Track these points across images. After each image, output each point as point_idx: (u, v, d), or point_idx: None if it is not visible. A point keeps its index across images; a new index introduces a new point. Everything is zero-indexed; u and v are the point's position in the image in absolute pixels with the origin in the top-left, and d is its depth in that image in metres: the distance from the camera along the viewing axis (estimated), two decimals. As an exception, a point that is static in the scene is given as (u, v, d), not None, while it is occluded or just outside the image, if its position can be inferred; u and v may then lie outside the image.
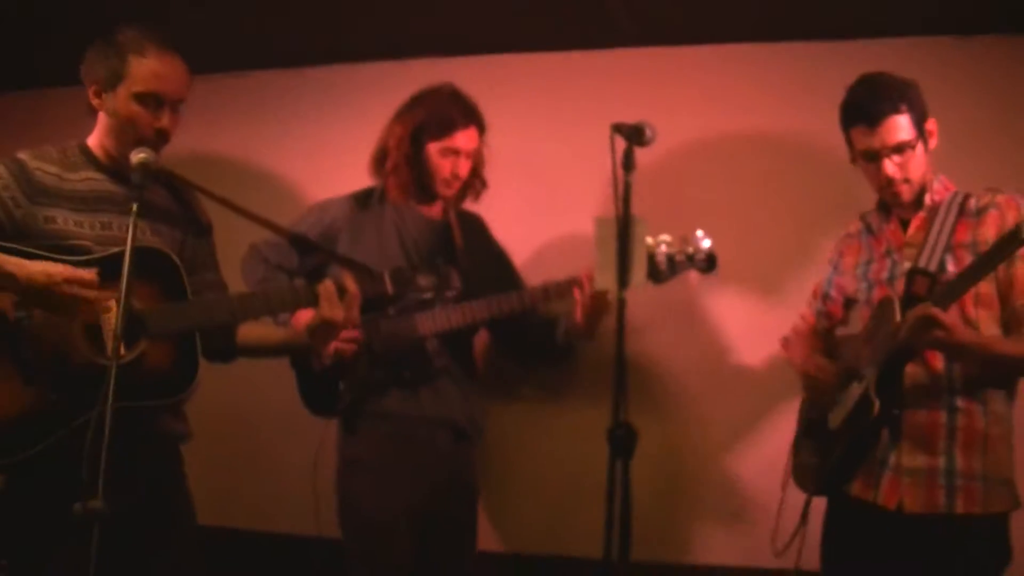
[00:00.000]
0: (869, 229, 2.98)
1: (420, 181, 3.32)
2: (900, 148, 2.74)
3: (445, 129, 3.26)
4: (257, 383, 3.75)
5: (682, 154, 3.69)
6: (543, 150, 3.74)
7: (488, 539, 3.66)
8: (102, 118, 2.63)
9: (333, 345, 3.07)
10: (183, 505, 2.72)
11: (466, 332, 3.37)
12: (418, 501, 3.22)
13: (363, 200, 3.39)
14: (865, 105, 2.75)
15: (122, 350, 2.33)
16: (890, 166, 2.75)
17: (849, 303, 3.03)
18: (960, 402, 2.68)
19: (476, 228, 3.51)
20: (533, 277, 3.55)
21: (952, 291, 2.53)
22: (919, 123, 2.75)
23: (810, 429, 2.95)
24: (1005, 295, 2.67)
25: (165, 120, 2.57)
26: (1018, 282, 2.66)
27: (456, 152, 3.28)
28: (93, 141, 2.65)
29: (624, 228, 2.56)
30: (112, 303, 2.41)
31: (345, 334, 3.07)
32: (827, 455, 2.83)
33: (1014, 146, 3.41)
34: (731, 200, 3.66)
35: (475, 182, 3.40)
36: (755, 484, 3.57)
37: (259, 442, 4.06)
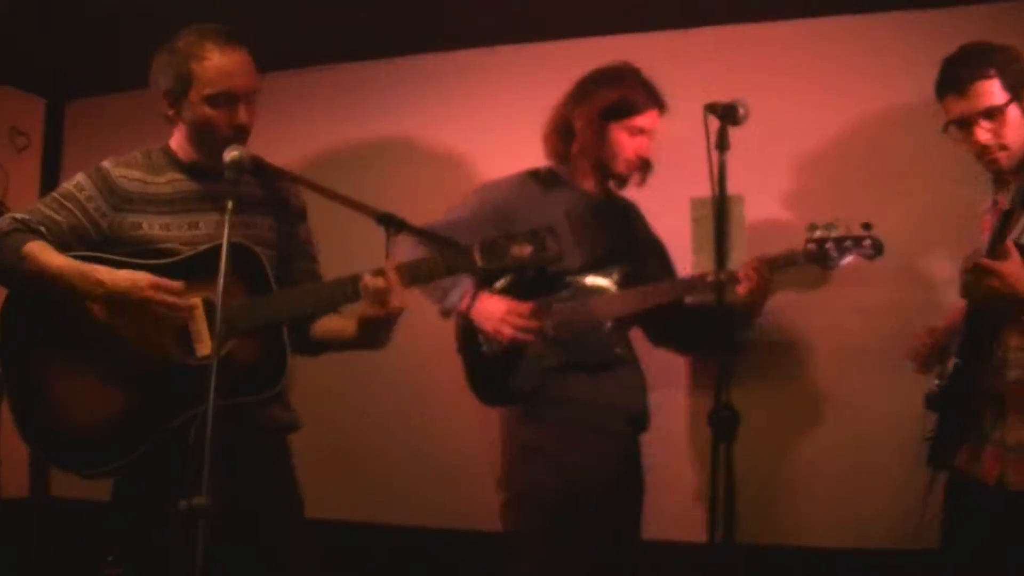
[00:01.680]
0: (995, 202, 2.85)
1: (601, 161, 3.27)
2: (990, 113, 2.68)
3: (633, 108, 3.21)
4: (420, 372, 3.82)
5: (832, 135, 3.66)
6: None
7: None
8: (180, 125, 2.62)
9: (509, 333, 3.07)
10: (287, 497, 2.68)
11: (630, 320, 3.32)
12: (598, 490, 3.13)
13: (542, 179, 3.32)
14: (952, 73, 2.72)
15: (207, 349, 2.39)
16: (982, 132, 2.70)
17: None
18: None
19: (637, 214, 3.47)
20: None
21: (993, 239, 2.45)
22: (1014, 87, 2.67)
23: (929, 401, 2.88)
24: None
25: (242, 115, 2.54)
26: None
27: (642, 132, 3.24)
28: (175, 143, 2.65)
29: (721, 208, 2.54)
30: (197, 301, 2.44)
31: (523, 321, 3.07)
32: (935, 428, 2.81)
33: None
34: (873, 176, 3.62)
35: (646, 165, 3.33)
36: (872, 462, 3.51)
37: (421, 436, 4.05)
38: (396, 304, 2.44)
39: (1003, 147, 2.70)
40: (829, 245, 3.06)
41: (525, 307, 3.10)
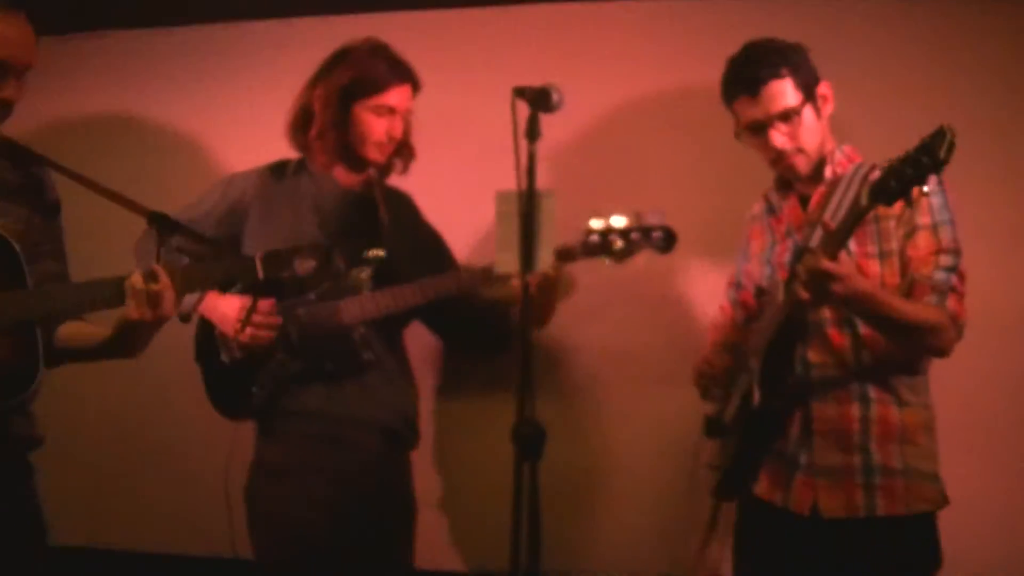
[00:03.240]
0: (771, 209, 2.79)
1: (347, 147, 2.97)
2: (786, 115, 2.57)
3: (376, 85, 2.94)
4: (155, 382, 3.50)
5: (624, 120, 3.45)
6: (448, 118, 3.39)
7: (433, 556, 3.32)
8: None
9: (248, 331, 2.81)
10: (28, 525, 2.39)
11: (397, 321, 3.05)
12: (344, 512, 2.89)
13: (278, 172, 3.06)
14: (744, 73, 2.59)
15: None
16: (778, 136, 2.59)
17: (761, 292, 2.84)
18: (872, 391, 2.53)
19: (404, 206, 3.17)
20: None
21: (835, 239, 2.32)
22: (806, 87, 2.59)
23: (710, 428, 2.79)
24: (904, 268, 2.54)
25: (9, 90, 2.28)
26: (916, 255, 2.51)
27: (391, 110, 2.96)
28: None
29: (529, 203, 2.32)
30: None
31: (260, 318, 2.81)
32: (722, 455, 2.68)
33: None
34: (681, 168, 3.43)
35: (404, 149, 3.05)
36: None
37: (158, 450, 3.67)
38: (167, 310, 2.27)
39: (800, 151, 2.61)
40: (613, 236, 2.88)
41: (263, 304, 2.84)
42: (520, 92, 2.36)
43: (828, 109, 2.64)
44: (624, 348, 3.37)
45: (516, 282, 2.81)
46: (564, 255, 2.86)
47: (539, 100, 2.36)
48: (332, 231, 2.95)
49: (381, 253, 2.91)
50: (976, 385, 3.01)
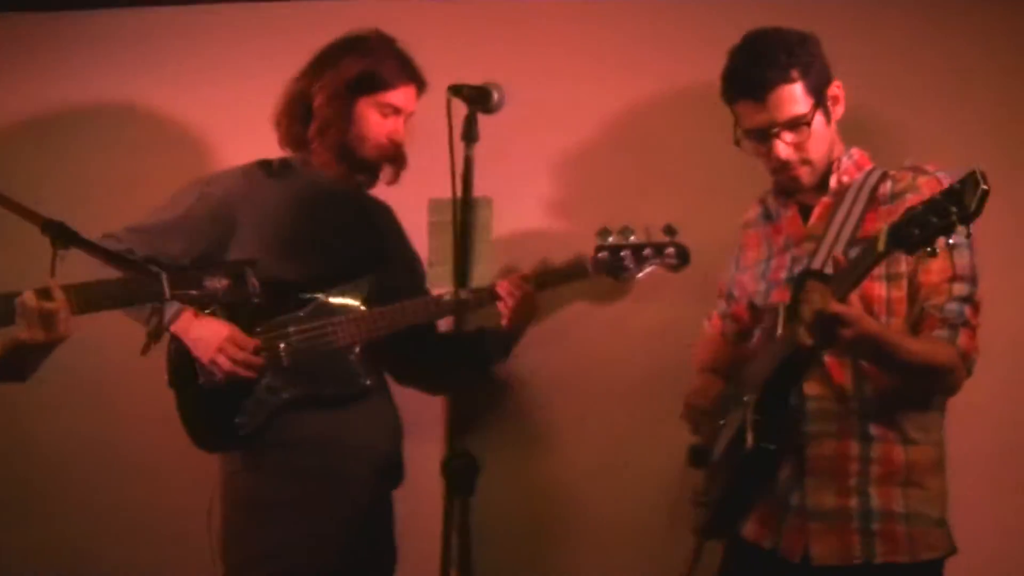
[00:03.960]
0: (768, 215, 2.56)
1: (345, 146, 2.77)
2: (794, 124, 2.33)
3: (385, 81, 2.74)
4: (120, 411, 3.22)
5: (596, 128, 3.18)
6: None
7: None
8: None
9: (227, 367, 2.61)
10: None
11: (380, 345, 2.81)
12: (344, 555, 2.68)
13: (274, 171, 2.84)
14: (747, 74, 2.34)
15: None
16: (783, 147, 2.35)
17: (754, 307, 2.58)
18: (874, 428, 2.28)
19: (390, 217, 2.98)
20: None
21: (846, 280, 2.07)
22: (817, 90, 2.34)
23: (696, 458, 2.54)
24: (913, 296, 2.29)
25: None
26: (928, 281, 2.26)
27: (396, 111, 2.76)
28: None
29: (465, 211, 2.21)
30: None
31: (241, 355, 2.61)
32: (714, 489, 2.43)
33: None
34: (668, 173, 3.15)
35: (398, 156, 2.84)
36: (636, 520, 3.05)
37: (127, 487, 3.28)
38: (62, 331, 2.10)
39: (806, 161, 2.38)
40: (625, 253, 2.68)
41: (249, 341, 2.64)
42: (456, 90, 2.23)
43: (838, 112, 2.42)
44: (583, 371, 3.11)
45: (500, 307, 2.69)
46: (571, 273, 2.71)
47: (477, 99, 2.25)
48: (324, 239, 2.76)
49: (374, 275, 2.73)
50: (985, 413, 2.63)
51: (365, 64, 2.73)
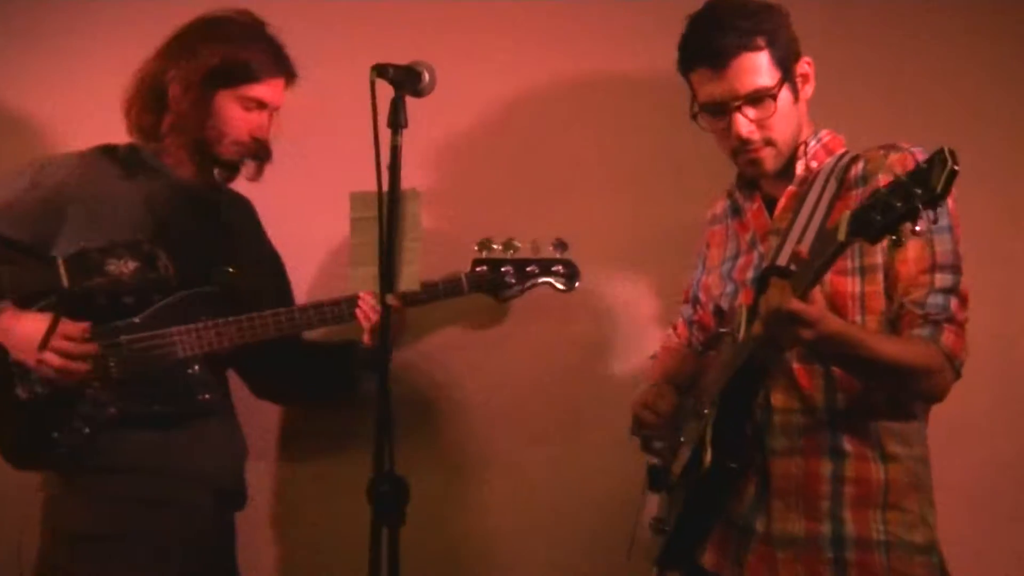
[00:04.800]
0: (736, 210, 2.36)
1: (200, 141, 2.54)
2: (757, 97, 2.12)
3: (250, 73, 2.51)
4: None
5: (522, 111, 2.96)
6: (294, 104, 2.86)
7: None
8: None
9: (56, 363, 2.33)
10: None
11: (224, 358, 2.60)
12: None
13: (107, 159, 2.58)
14: (707, 40, 2.14)
15: None
16: (743, 123, 2.14)
17: (719, 311, 2.38)
18: (847, 443, 2.09)
19: (246, 214, 2.76)
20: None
21: (806, 275, 1.87)
22: (784, 63, 2.14)
23: (654, 480, 2.37)
24: (891, 289, 2.09)
25: None
26: (905, 271, 2.06)
27: (260, 105, 2.54)
28: None
29: (392, 206, 1.99)
30: None
31: (70, 346, 2.34)
32: (672, 510, 2.25)
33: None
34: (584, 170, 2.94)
35: (261, 150, 2.62)
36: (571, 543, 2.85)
37: None
38: None
39: (769, 142, 2.17)
40: (506, 269, 2.50)
41: (73, 328, 2.36)
42: (381, 71, 2.02)
43: (808, 91, 2.22)
44: (527, 386, 2.89)
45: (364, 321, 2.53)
46: (443, 290, 2.53)
47: (405, 81, 2.03)
48: (169, 238, 2.46)
49: (232, 270, 2.50)
50: (975, 422, 2.43)
51: (227, 52, 2.49)
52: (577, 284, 2.57)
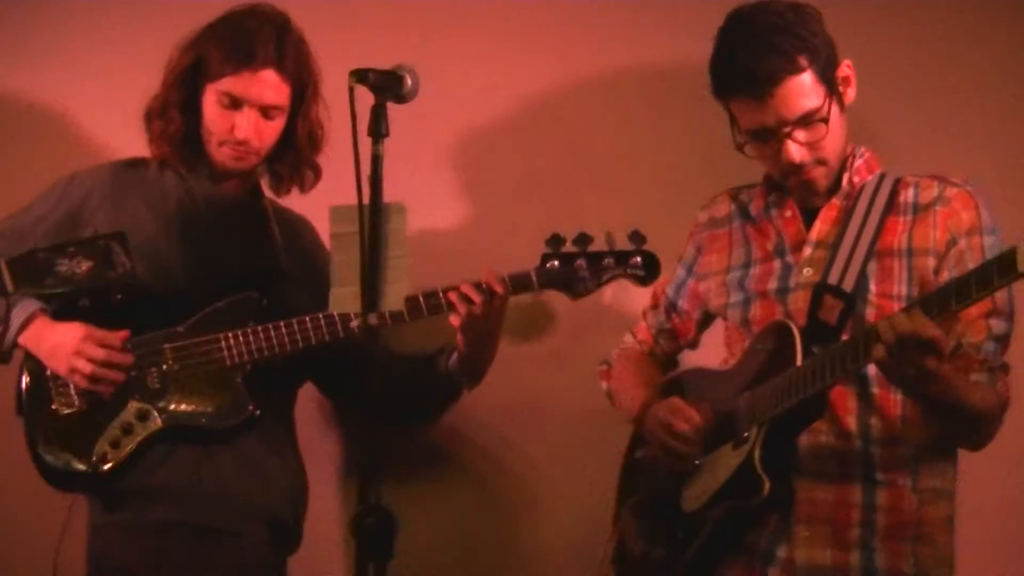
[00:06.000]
0: (746, 214, 2.24)
1: (192, 140, 2.40)
2: (808, 120, 2.02)
3: (219, 65, 2.33)
4: None
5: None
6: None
7: None
8: None
9: (88, 370, 2.21)
10: None
11: (287, 377, 2.45)
12: None
13: (134, 167, 2.48)
14: (744, 66, 2.01)
15: None
16: (795, 148, 2.03)
17: (708, 320, 2.31)
18: (880, 472, 2.00)
19: (303, 230, 2.59)
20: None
21: (944, 303, 1.76)
22: (827, 76, 2.03)
23: (648, 507, 2.23)
24: (947, 326, 1.94)
25: None
26: (965, 313, 1.92)
27: (236, 102, 2.34)
28: None
29: (374, 220, 1.83)
30: None
31: (103, 353, 2.21)
32: (681, 546, 2.10)
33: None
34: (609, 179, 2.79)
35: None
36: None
37: None
38: None
39: (821, 161, 2.07)
40: (579, 263, 2.32)
41: (114, 336, 2.24)
42: (360, 76, 1.86)
43: (850, 95, 2.11)
44: (524, 410, 2.75)
45: (453, 320, 2.34)
46: (517, 284, 2.31)
47: (386, 86, 1.87)
48: (209, 239, 2.39)
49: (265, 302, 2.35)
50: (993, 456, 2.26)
51: (210, 42, 2.35)
52: (657, 277, 2.38)
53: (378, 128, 1.83)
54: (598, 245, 2.35)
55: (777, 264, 2.13)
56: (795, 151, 2.02)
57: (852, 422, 1.99)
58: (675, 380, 2.30)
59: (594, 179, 2.77)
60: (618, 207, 2.68)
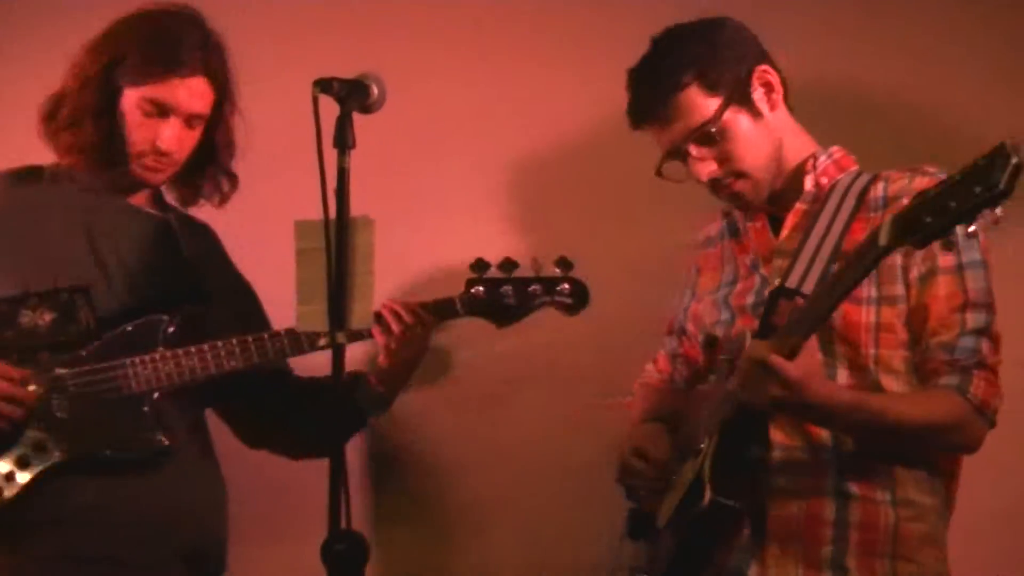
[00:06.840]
0: (734, 230, 2.21)
1: (111, 150, 2.23)
2: (699, 136, 2.02)
3: (143, 69, 2.19)
4: None
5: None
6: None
7: None
8: None
9: None
10: None
11: (198, 397, 2.33)
12: None
13: (28, 179, 2.30)
14: (636, 98, 2.08)
15: None
16: (699, 165, 2.05)
17: (711, 342, 2.22)
18: (854, 485, 1.93)
19: (207, 240, 2.48)
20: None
21: (802, 322, 1.75)
22: (726, 84, 2.02)
23: (635, 527, 2.21)
24: (918, 328, 1.94)
25: None
26: (935, 310, 1.92)
27: (160, 110, 2.21)
28: None
29: (339, 236, 1.77)
30: None
31: (3, 386, 2.07)
32: (655, 564, 2.11)
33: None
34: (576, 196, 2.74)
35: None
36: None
37: None
38: None
39: (739, 174, 2.05)
40: (506, 289, 2.28)
41: (13, 371, 2.10)
42: (324, 86, 1.79)
43: (774, 101, 2.07)
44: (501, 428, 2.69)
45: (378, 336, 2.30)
46: (440, 311, 2.29)
47: (352, 96, 1.81)
48: (113, 260, 2.25)
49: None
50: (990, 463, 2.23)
51: (130, 43, 2.21)
52: (585, 306, 2.34)
53: (344, 139, 1.77)
54: (524, 271, 2.31)
55: (756, 278, 2.11)
56: (699, 168, 2.04)
57: (825, 435, 1.94)
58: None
59: (567, 192, 2.72)
60: (590, 221, 2.64)
